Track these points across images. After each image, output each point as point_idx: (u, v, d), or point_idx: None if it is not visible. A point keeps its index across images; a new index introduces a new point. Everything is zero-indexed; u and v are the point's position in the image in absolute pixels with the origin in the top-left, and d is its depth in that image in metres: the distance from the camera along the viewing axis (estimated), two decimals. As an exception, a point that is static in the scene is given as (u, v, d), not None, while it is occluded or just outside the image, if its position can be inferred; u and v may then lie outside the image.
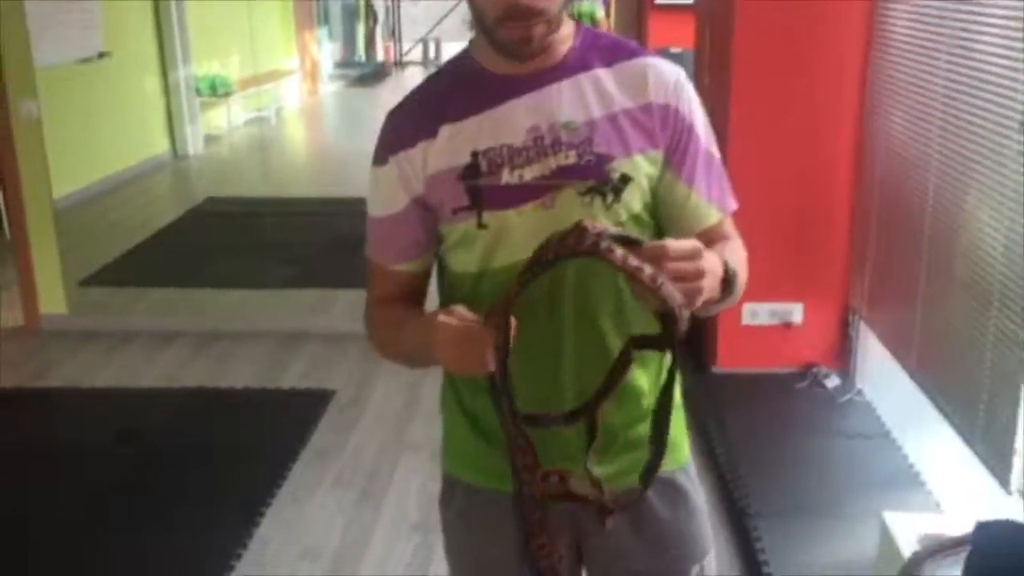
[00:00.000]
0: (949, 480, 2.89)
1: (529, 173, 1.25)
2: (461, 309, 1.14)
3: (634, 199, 1.27)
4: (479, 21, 1.24)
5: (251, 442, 3.49)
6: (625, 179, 1.26)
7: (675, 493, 1.40)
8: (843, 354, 3.76)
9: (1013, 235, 2.33)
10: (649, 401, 1.33)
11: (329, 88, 13.29)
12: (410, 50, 17.55)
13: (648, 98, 1.27)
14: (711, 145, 1.33)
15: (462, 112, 1.27)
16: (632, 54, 1.30)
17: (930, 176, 2.89)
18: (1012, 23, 2.36)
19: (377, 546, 2.83)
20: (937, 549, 1.42)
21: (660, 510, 1.38)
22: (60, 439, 3.55)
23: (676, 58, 6.74)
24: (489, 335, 1.06)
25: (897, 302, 3.21)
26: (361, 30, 15.74)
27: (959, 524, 1.49)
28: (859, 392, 3.58)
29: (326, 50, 13.82)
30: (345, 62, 14.85)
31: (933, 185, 2.87)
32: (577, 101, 1.26)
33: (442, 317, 1.13)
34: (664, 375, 1.33)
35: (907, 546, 1.47)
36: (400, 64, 17.00)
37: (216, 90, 9.05)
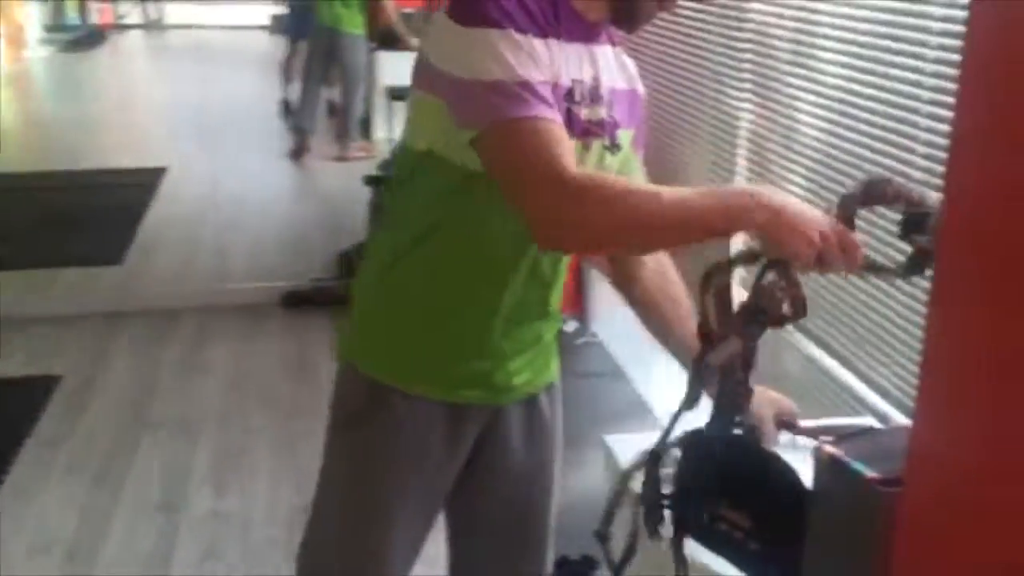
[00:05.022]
0: (674, 408, 3.13)
1: (585, 115, 1.33)
2: None
3: (616, 163, 1.41)
4: None
5: (-36, 439, 3.18)
6: (619, 147, 1.40)
7: (556, 394, 1.58)
8: (578, 300, 3.96)
9: (714, 174, 2.54)
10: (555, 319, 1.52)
11: (38, 54, 12.19)
12: (129, 13, 16.41)
13: (635, 85, 1.44)
14: None
15: (552, 31, 1.27)
16: (616, 39, 1.42)
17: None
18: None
19: (117, 532, 2.68)
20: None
21: (546, 409, 1.55)
22: None
23: (408, 17, 6.74)
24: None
25: (622, 247, 3.41)
26: (72, -10, 14.50)
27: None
28: (593, 334, 3.79)
29: (32, 12, 12.65)
30: (56, 26, 13.65)
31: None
32: (607, 67, 1.37)
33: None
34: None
35: (627, 462, 1.57)
36: (119, 27, 15.84)
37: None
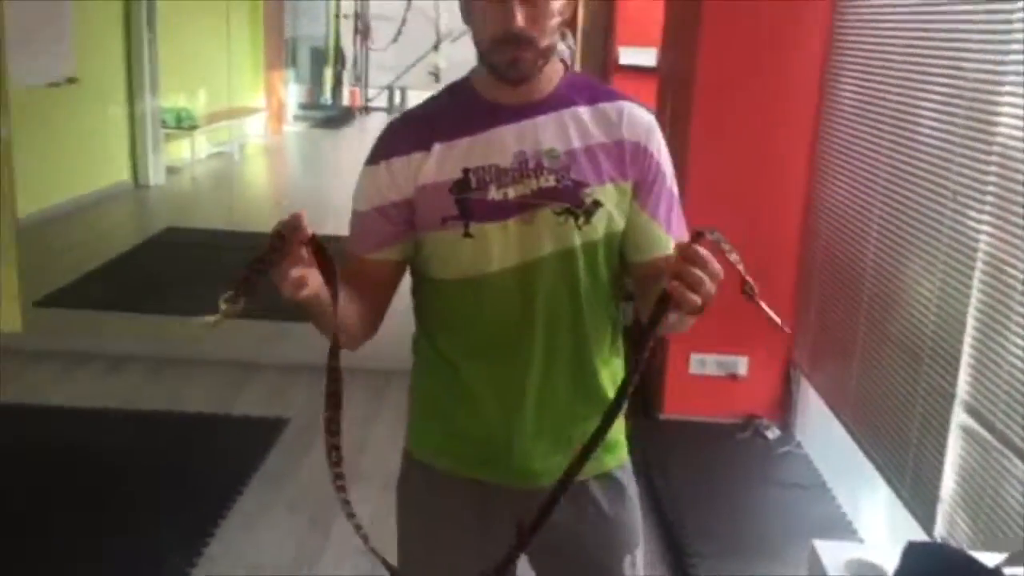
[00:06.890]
0: (878, 527, 3.02)
1: (513, 192, 1.39)
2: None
3: (601, 222, 1.42)
4: (477, 45, 1.39)
5: (201, 466, 3.51)
6: (597, 204, 1.42)
7: (616, 488, 1.55)
8: (784, 407, 3.90)
9: (944, 296, 2.49)
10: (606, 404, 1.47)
11: (294, 128, 13.39)
12: (376, 96, 17.73)
13: (621, 135, 1.43)
14: (674, 185, 1.50)
15: (455, 132, 1.41)
16: (612, 96, 1.46)
17: (870, 240, 3.06)
18: (950, 99, 2.54)
19: (325, 568, 2.88)
20: (860, 570, 1.53)
21: (603, 503, 1.52)
22: (5, 453, 3.54)
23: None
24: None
25: (836, 358, 3.37)
26: (328, 74, 15.87)
27: (883, 553, 1.59)
28: (798, 444, 3.71)
29: (292, 91, 13.95)
30: (311, 104, 14.96)
31: (873, 248, 3.04)
32: (559, 133, 1.41)
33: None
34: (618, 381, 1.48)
35: (834, 569, 1.57)
36: (365, 109, 17.14)
37: (181, 123, 9.11)
